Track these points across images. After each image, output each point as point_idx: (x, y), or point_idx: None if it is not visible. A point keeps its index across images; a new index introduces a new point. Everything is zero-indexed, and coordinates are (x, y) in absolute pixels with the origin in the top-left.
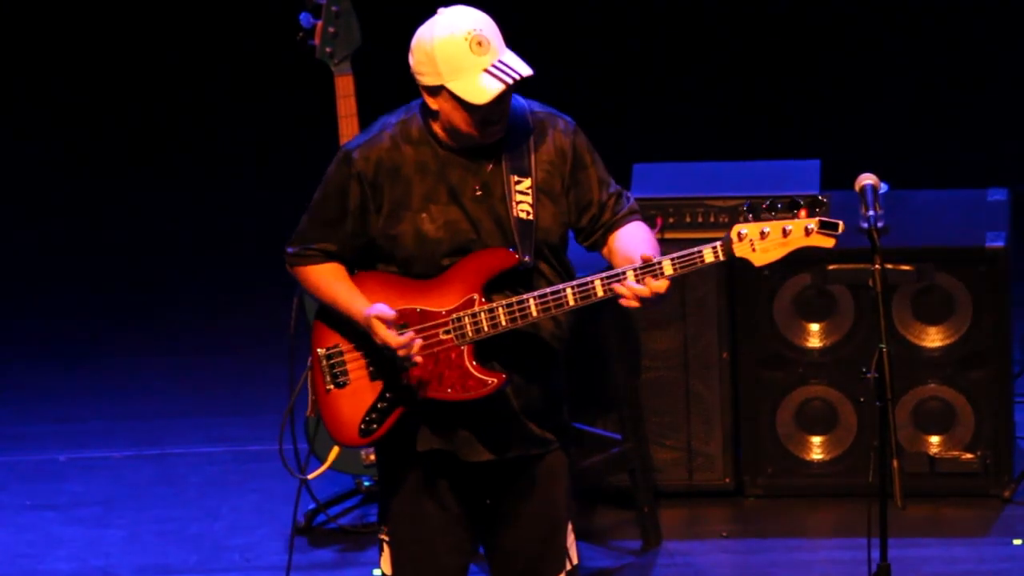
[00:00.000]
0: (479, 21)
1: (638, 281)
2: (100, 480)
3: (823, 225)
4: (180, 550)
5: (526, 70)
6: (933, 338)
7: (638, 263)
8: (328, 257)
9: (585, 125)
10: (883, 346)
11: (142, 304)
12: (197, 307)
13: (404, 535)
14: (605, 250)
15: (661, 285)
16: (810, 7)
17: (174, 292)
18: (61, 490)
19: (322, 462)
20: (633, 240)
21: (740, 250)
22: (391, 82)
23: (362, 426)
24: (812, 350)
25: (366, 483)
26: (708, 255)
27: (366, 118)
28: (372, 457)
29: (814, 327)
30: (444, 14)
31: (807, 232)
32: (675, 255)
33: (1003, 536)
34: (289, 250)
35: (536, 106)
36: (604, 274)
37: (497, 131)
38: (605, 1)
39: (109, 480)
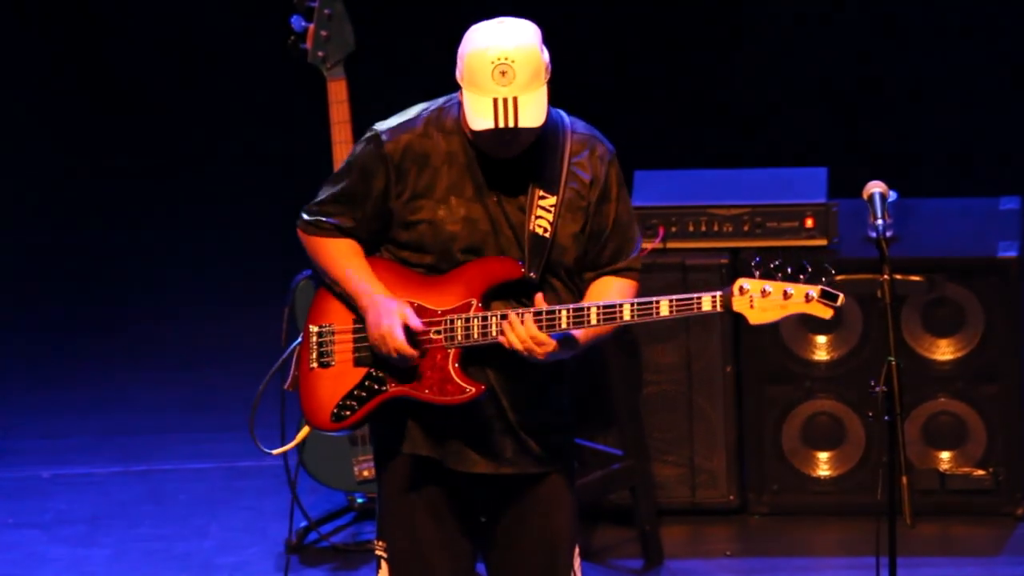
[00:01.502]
0: (518, 51)
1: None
2: (85, 497)
3: (824, 295)
4: (168, 569)
5: (528, 122)
6: (944, 351)
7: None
8: (343, 233)
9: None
10: (892, 359)
11: (128, 316)
12: (186, 319)
13: (401, 549)
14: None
15: (544, 341)
16: (818, 13)
17: (162, 304)
18: (45, 508)
19: (314, 475)
20: (601, 298)
21: (738, 304)
22: (385, 87)
23: (335, 410)
24: (819, 363)
25: (359, 500)
26: (706, 303)
27: (359, 124)
28: (366, 473)
29: (821, 340)
30: (499, 25)
31: (807, 299)
32: (673, 297)
33: (1016, 555)
34: (305, 216)
35: (580, 126)
36: (602, 302)
37: (509, 151)
38: (608, 4)
39: (95, 497)
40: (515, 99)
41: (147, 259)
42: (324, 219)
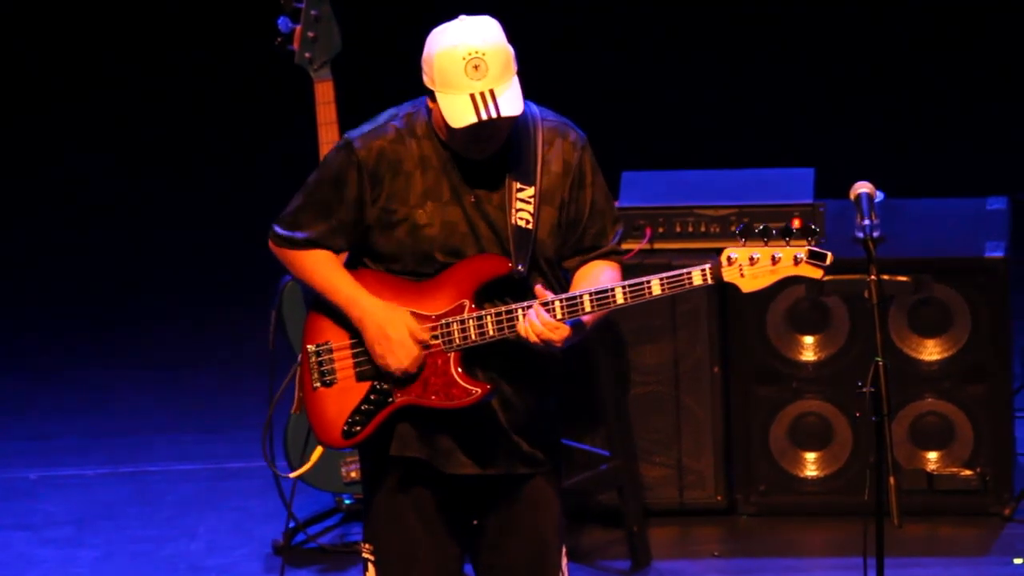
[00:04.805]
0: (487, 43)
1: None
2: (73, 499)
3: (812, 255)
4: (156, 571)
5: (510, 110)
6: (931, 351)
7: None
8: (317, 245)
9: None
10: (879, 359)
11: (117, 317)
12: (174, 320)
13: (389, 552)
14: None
15: (558, 327)
16: (804, 12)
17: (150, 305)
18: (33, 509)
19: (302, 476)
20: (588, 283)
21: (729, 275)
22: (372, 88)
23: (345, 427)
24: (806, 364)
25: (347, 501)
26: (697, 277)
27: (346, 125)
28: (353, 475)
29: (808, 340)
30: (461, 23)
31: (796, 261)
32: (663, 275)
33: (1003, 555)
34: (277, 229)
35: (549, 115)
36: (592, 289)
37: (487, 148)
38: (596, 5)
39: (82, 499)
40: (491, 91)
41: (134, 260)
42: (298, 233)
